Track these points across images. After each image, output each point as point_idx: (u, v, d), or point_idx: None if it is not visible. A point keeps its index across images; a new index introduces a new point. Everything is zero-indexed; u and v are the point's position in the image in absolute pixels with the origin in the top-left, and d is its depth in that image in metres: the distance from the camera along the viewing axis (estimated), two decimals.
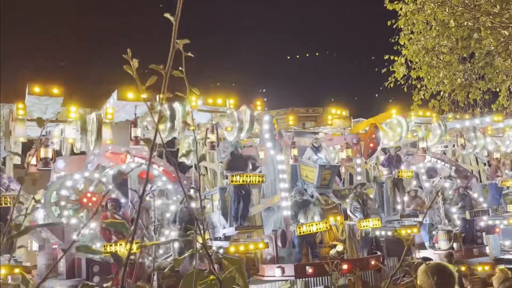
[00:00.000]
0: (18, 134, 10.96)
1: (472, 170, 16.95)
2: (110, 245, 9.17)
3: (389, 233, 12.88)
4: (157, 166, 11.42)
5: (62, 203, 10.14)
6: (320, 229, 10.94)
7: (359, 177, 14.48)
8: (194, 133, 8.03)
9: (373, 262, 11.27)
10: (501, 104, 9.93)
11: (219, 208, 11.66)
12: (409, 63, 9.18)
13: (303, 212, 11.34)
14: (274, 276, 10.52)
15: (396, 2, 8.92)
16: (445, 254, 11.58)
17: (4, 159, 11.97)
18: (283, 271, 10.45)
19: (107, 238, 9.68)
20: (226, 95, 12.21)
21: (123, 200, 10.41)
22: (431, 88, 9.05)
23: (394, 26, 9.11)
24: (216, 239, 11.50)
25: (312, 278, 10.46)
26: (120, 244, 9.15)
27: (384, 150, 14.85)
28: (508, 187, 15.92)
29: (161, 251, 10.50)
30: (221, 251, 10.60)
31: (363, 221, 11.78)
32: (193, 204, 10.51)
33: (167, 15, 1.41)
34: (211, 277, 1.47)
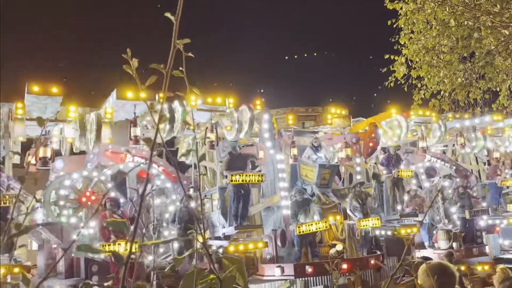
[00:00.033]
0: (17, 133, 10.90)
1: (472, 170, 16.96)
2: (109, 245, 9.17)
3: (389, 233, 12.89)
4: (156, 165, 11.40)
5: (61, 202, 10.12)
6: (319, 228, 10.95)
7: (358, 177, 14.45)
8: (194, 132, 7.97)
9: (372, 262, 11.27)
10: (501, 104, 9.93)
11: (218, 207, 11.66)
12: (409, 63, 9.19)
13: (303, 212, 11.34)
14: (274, 276, 10.51)
15: (396, 1, 8.92)
16: (445, 254, 11.59)
17: (3, 158, 11.95)
18: (282, 271, 10.45)
19: (106, 237, 9.68)
20: (225, 94, 12.20)
21: (121, 200, 10.40)
22: (431, 88, 9.06)
23: (395, 26, 9.11)
24: (215, 238, 11.50)
25: (311, 278, 10.45)
26: (119, 244, 9.15)
27: (383, 149, 14.84)
28: (508, 187, 15.93)
29: (161, 250, 10.49)
30: (220, 250, 10.59)
31: (362, 221, 11.79)
32: (192, 204, 10.50)
33: (168, 14, 1.41)
34: (211, 276, 1.47)
